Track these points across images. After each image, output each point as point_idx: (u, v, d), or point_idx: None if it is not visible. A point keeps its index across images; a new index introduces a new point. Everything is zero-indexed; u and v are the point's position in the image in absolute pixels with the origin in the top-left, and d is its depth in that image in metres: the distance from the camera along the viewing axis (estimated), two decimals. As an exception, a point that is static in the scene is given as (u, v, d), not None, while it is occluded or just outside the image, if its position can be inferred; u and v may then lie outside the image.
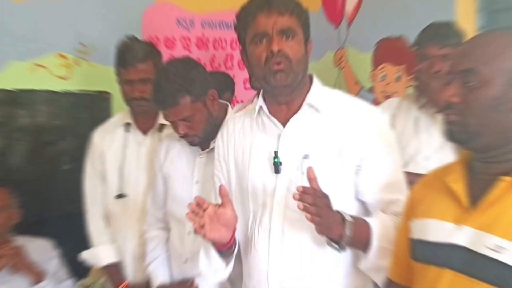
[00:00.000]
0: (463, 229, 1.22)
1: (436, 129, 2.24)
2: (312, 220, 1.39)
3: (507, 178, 1.18)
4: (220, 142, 1.77)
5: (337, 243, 1.46)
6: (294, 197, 1.38)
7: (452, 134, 1.26)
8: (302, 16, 1.58)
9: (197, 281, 1.92)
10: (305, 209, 1.38)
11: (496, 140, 1.21)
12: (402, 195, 1.55)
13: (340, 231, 1.44)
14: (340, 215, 1.45)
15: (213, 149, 1.86)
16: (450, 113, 1.25)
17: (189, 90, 1.84)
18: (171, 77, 1.84)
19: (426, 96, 2.29)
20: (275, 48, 1.52)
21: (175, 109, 1.85)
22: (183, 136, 1.92)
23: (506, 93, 1.18)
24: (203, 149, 1.99)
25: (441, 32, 2.20)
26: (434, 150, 2.26)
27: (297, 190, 1.39)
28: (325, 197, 1.43)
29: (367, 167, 1.59)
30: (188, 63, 1.92)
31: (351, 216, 1.48)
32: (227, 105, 2.06)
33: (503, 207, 1.18)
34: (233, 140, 1.73)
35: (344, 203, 1.57)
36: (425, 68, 2.22)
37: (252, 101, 2.62)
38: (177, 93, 1.83)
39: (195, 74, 1.87)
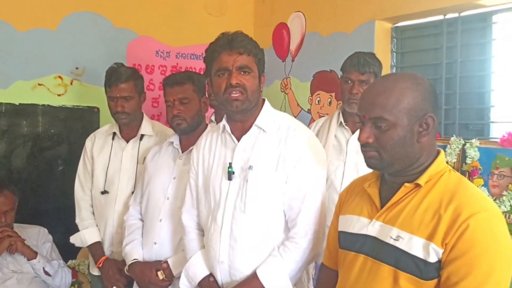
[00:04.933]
0: (374, 223, 1.25)
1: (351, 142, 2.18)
2: None
3: (408, 185, 1.21)
4: (195, 153, 1.77)
5: None
6: None
7: (371, 165, 1.26)
8: (258, 56, 1.59)
9: (169, 262, 1.87)
10: None
11: (405, 166, 1.22)
12: (312, 205, 1.54)
13: None
14: None
15: (190, 151, 1.85)
16: (367, 150, 1.24)
17: (193, 81, 1.96)
18: (185, 72, 2.11)
19: (345, 116, 2.25)
20: (233, 81, 1.53)
21: (179, 88, 1.92)
22: (175, 116, 1.91)
23: (411, 129, 1.19)
24: (183, 152, 1.97)
25: (361, 61, 2.17)
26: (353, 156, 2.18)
27: None
28: None
29: (291, 180, 1.56)
30: (199, 73, 2.11)
31: None
32: (207, 124, 2.08)
33: (402, 205, 1.21)
34: (203, 151, 1.73)
35: (276, 209, 1.57)
36: (347, 89, 2.19)
37: (210, 118, 2.60)
38: (185, 79, 1.95)
39: (201, 79, 2.00)
